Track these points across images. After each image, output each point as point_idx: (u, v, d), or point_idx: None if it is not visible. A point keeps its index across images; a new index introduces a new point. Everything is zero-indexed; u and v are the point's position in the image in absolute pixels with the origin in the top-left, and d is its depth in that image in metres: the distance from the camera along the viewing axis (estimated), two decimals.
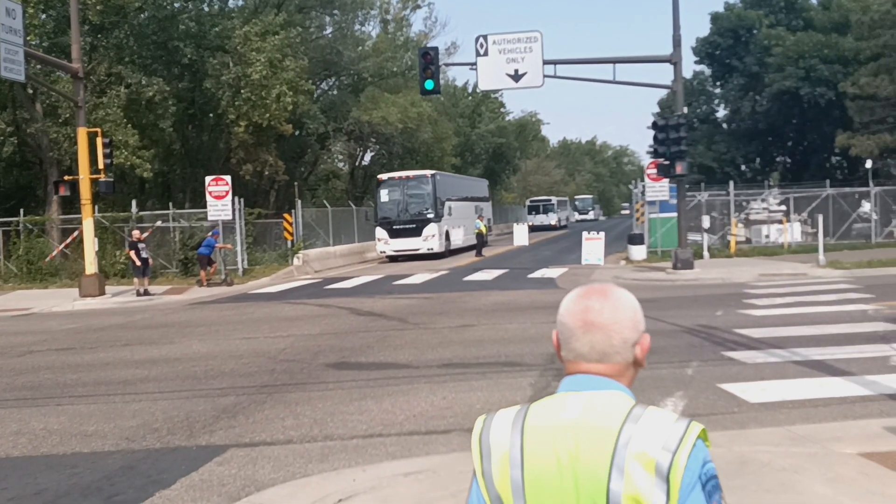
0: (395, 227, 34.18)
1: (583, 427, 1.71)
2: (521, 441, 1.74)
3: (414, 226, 34.06)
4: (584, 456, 1.69)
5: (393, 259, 34.16)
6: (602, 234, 28.38)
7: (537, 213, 72.15)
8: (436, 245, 34.17)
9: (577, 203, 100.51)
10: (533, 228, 60.84)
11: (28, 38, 27.51)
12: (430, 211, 34.36)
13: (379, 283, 24.05)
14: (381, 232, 34.48)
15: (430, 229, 34.09)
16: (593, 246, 27.76)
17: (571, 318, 1.85)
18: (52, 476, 6.89)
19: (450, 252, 35.89)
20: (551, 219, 71.70)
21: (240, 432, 7.99)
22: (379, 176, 36.73)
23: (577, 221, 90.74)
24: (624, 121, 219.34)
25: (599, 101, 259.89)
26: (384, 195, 35.09)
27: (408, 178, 35.52)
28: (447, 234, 35.81)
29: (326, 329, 14.93)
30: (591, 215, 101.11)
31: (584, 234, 28.57)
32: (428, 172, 35.83)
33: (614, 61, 23.77)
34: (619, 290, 1.90)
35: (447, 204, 36.23)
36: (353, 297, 20.46)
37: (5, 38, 18.81)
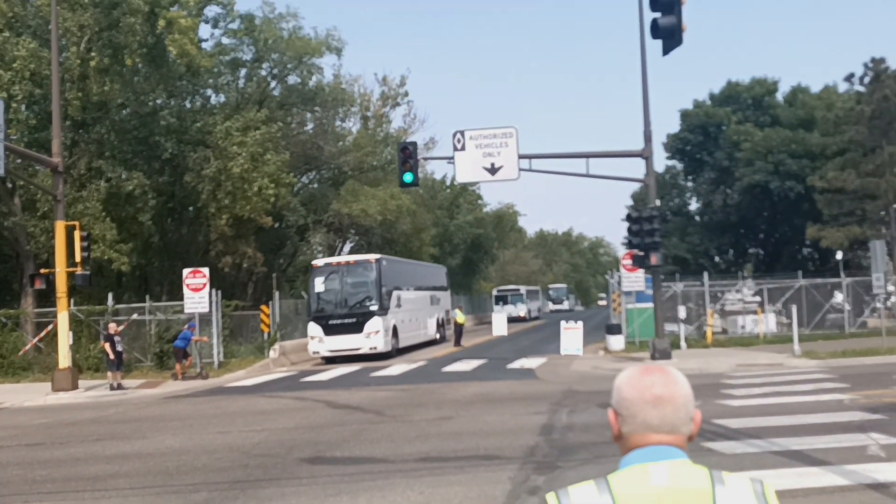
0: (331, 321, 29.04)
1: (679, 491, 1.81)
2: None
3: (354, 320, 28.99)
4: None
5: (330, 360, 28.81)
6: (580, 323, 28.49)
7: (504, 303, 68.13)
8: (380, 343, 28.95)
9: (550, 292, 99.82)
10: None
11: (9, 133, 27.84)
12: (373, 302, 29.46)
13: (356, 375, 23.84)
14: (314, 328, 29.12)
15: (374, 324, 28.97)
16: (572, 336, 27.82)
17: (639, 393, 1.95)
18: None
19: (399, 351, 30.78)
20: (520, 310, 67.75)
21: None
22: (313, 262, 31.89)
23: (552, 311, 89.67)
24: (599, 213, 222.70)
25: (575, 193, 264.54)
26: (319, 284, 29.81)
27: (347, 263, 30.65)
28: (395, 330, 30.66)
29: (302, 423, 14.73)
30: (565, 304, 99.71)
31: (563, 323, 28.67)
32: (372, 257, 31.04)
33: (588, 156, 24.36)
34: (674, 369, 2.02)
35: (395, 294, 31.40)
36: (329, 389, 20.26)
37: None
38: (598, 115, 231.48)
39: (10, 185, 29.99)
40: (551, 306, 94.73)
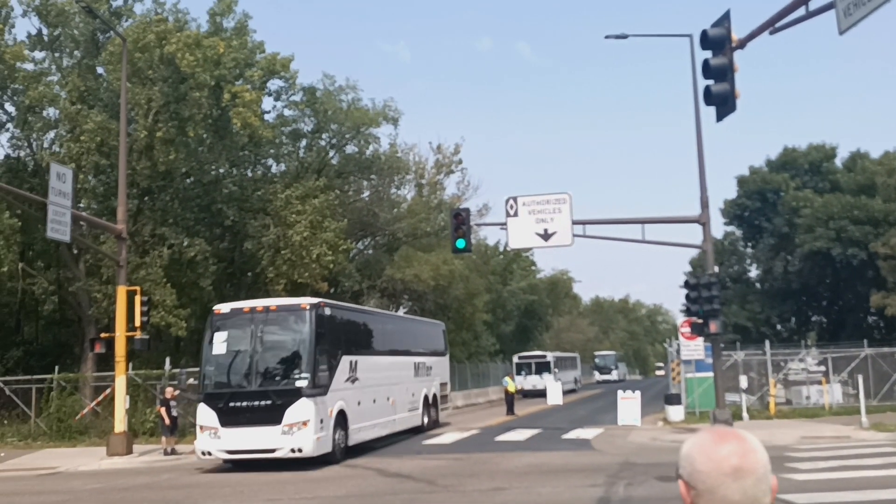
0: (231, 403, 18.58)
1: None
2: None
3: (268, 402, 18.27)
4: None
5: (235, 465, 18.96)
6: (638, 393, 27.90)
7: (527, 373, 55.10)
8: (307, 441, 18.03)
9: (597, 360, 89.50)
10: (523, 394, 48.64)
11: (80, 202, 28.87)
12: (301, 374, 18.48)
13: (408, 443, 23.59)
14: (205, 413, 18.76)
15: (299, 410, 18.08)
16: (629, 405, 27.23)
17: (716, 465, 1.80)
18: None
19: (346, 451, 19.93)
20: (546, 381, 51.00)
21: None
22: (214, 308, 20.44)
23: (599, 382, 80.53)
24: (656, 279, 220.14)
25: (631, 259, 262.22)
26: (218, 344, 19.37)
27: (266, 310, 19.42)
28: (341, 418, 19.80)
29: (353, 491, 14.58)
30: (614, 375, 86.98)
31: (620, 393, 28.12)
32: (305, 301, 19.75)
33: (643, 221, 24.18)
34: (747, 433, 1.89)
35: (345, 360, 20.56)
36: (380, 457, 20.06)
37: (54, 200, 19.73)
38: (654, 182, 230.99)
39: (75, 251, 30.94)
40: (598, 376, 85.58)
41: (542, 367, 55.00)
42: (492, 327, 60.72)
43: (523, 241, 25.07)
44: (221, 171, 36.27)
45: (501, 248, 65.66)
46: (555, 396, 43.02)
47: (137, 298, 23.31)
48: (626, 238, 25.01)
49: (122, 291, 23.18)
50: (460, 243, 23.91)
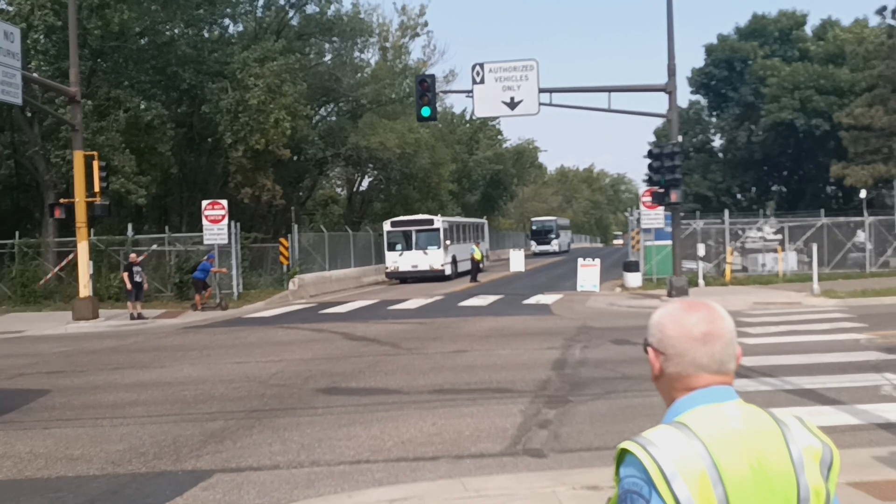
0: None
1: (755, 432, 1.76)
2: (712, 458, 1.70)
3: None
4: (769, 458, 1.74)
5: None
6: (598, 260, 28.43)
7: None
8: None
9: (533, 227, 76.23)
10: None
11: (31, 63, 27.70)
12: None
13: (374, 308, 24.01)
14: None
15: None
16: (589, 273, 27.78)
17: (686, 330, 1.86)
18: (34, 500, 6.84)
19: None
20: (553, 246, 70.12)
21: (226, 457, 7.94)
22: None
23: (536, 255, 68.02)
24: (621, 149, 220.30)
25: (596, 129, 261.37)
26: None
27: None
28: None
29: (318, 354, 14.89)
30: (554, 245, 72.64)
31: (580, 260, 28.63)
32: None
33: (609, 90, 23.94)
34: (717, 304, 1.94)
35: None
36: (347, 321, 20.43)
37: (3, 60, 18.92)
38: (621, 49, 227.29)
39: (29, 115, 30.00)
40: (534, 247, 71.91)
41: (430, 240, 37.63)
42: (457, 196, 60.86)
43: (490, 109, 24.76)
44: (176, 31, 34.90)
45: (468, 117, 64.96)
46: (517, 264, 43.73)
47: (96, 164, 22.85)
48: (593, 107, 24.90)
49: (79, 156, 22.67)
50: (425, 111, 23.54)
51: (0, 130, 33.32)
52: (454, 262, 38.64)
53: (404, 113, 47.04)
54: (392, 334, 17.51)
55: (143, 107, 31.58)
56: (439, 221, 37.44)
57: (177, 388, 11.77)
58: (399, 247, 37.06)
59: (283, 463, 7.66)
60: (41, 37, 29.08)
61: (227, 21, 38.45)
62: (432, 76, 25.40)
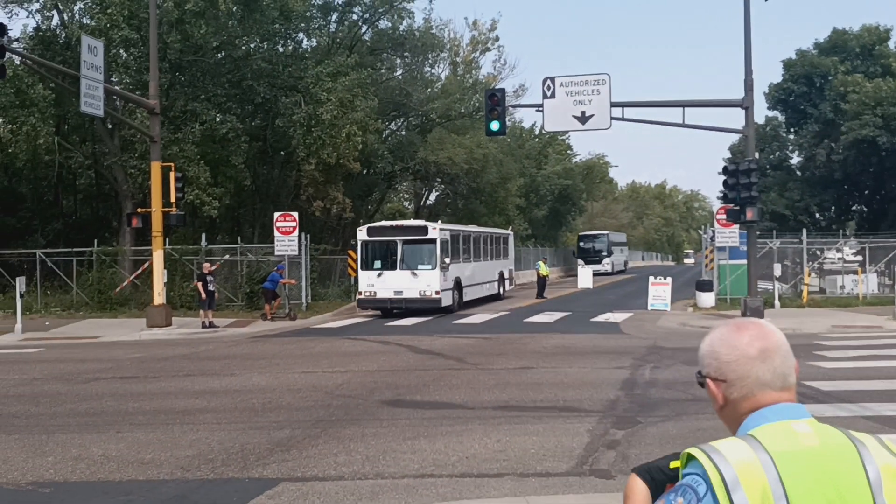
0: None
1: (828, 451, 1.70)
2: (778, 473, 1.64)
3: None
4: (843, 478, 1.67)
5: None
6: (669, 279, 27.91)
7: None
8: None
9: (581, 244, 65.41)
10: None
11: (112, 76, 28.63)
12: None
13: (439, 322, 23.98)
14: None
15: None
16: (660, 291, 27.27)
17: (741, 352, 1.82)
18: (106, 502, 6.95)
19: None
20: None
21: (292, 466, 7.96)
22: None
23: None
24: (695, 165, 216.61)
25: (670, 144, 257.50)
26: None
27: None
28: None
29: (384, 366, 14.90)
30: (606, 264, 62.11)
31: (651, 278, 28.14)
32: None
33: (684, 104, 23.51)
34: (758, 319, 1.91)
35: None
36: (412, 334, 20.44)
37: (87, 73, 19.57)
38: (696, 64, 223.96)
39: (109, 126, 30.97)
40: (582, 267, 52.70)
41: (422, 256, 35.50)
42: (525, 212, 60.52)
43: (560, 123, 24.59)
44: (252, 46, 35.64)
45: (537, 131, 64.68)
46: (585, 280, 43.25)
47: (172, 175, 23.43)
48: (666, 122, 24.41)
49: (156, 167, 23.28)
50: (495, 125, 23.49)
51: (82, 141, 34.46)
52: (457, 287, 28.09)
53: (473, 127, 47.07)
54: (457, 348, 17.44)
55: (218, 119, 32.28)
56: (436, 230, 26.80)
57: (245, 396, 11.90)
58: (378, 264, 26.58)
59: (347, 474, 7.64)
60: (121, 50, 30.02)
61: (301, 36, 39.10)
62: (502, 90, 25.37)
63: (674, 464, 1.86)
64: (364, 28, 42.90)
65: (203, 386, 12.98)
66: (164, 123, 28.31)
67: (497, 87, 33.42)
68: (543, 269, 36.43)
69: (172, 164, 24.35)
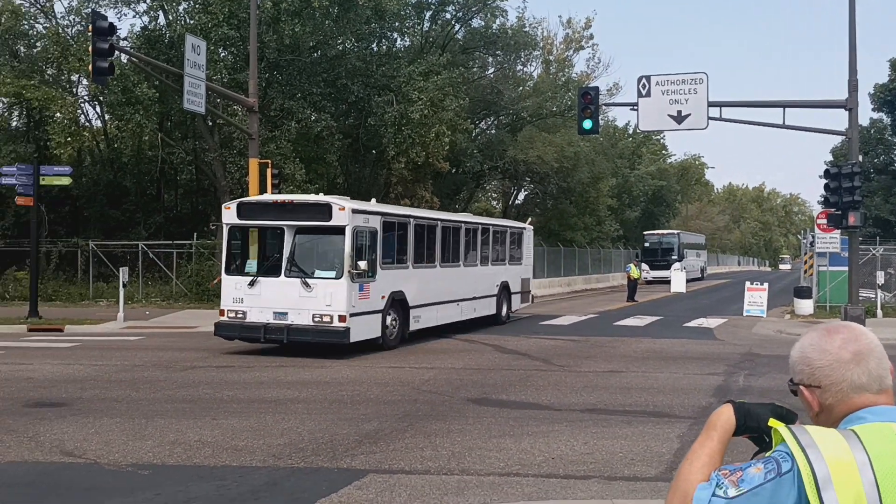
0: None
1: None
2: (875, 476, 1.60)
3: None
4: None
5: None
6: (766, 284, 27.13)
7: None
8: None
9: (646, 244, 55.80)
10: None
11: (209, 73, 29.58)
12: None
13: (526, 323, 23.88)
14: None
15: None
16: (756, 297, 26.53)
17: (835, 356, 1.78)
18: (202, 486, 7.18)
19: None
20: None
21: (379, 458, 8.06)
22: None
23: (647, 282, 47.74)
24: (795, 167, 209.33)
25: (769, 145, 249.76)
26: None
27: None
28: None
29: (469, 364, 14.94)
30: (678, 270, 47.11)
31: (748, 283, 27.43)
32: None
33: (784, 105, 22.75)
34: (849, 322, 1.88)
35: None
36: (498, 334, 20.41)
37: (190, 72, 20.24)
38: (798, 63, 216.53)
39: (210, 123, 31.99)
40: (647, 272, 49.19)
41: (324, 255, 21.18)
42: (616, 213, 59.69)
43: (655, 123, 24.13)
44: (347, 45, 36.25)
45: (631, 131, 63.73)
46: (678, 284, 42.38)
47: (269, 171, 24.00)
48: (765, 122, 23.66)
49: (254, 164, 23.89)
50: (587, 124, 23.22)
51: (183, 138, 35.70)
52: (398, 308, 17.60)
53: (565, 126, 46.71)
54: (544, 349, 17.34)
55: (313, 118, 32.97)
56: (344, 211, 15.81)
57: (334, 388, 12.12)
58: (252, 266, 16.76)
59: (433, 468, 7.70)
60: (220, 49, 30.97)
61: (394, 35, 39.58)
62: (596, 89, 25.05)
63: (773, 422, 1.80)
64: (457, 27, 43.08)
65: (294, 377, 13.27)
66: (262, 121, 29.07)
67: (590, 86, 33.07)
68: (634, 271, 35.84)
69: (269, 161, 24.95)
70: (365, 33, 35.07)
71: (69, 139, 30.09)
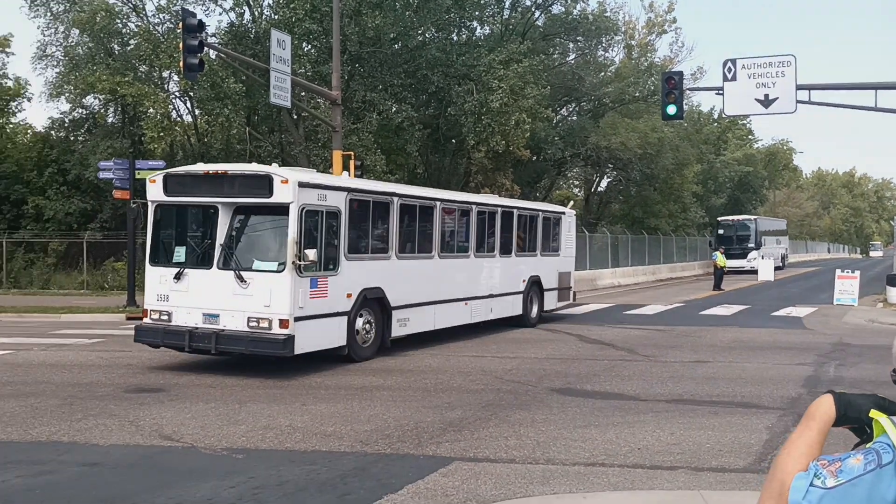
0: None
1: None
2: None
3: None
4: None
5: None
6: (857, 272, 26.23)
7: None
8: None
9: (720, 230, 51.64)
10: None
11: (293, 67, 30.16)
12: None
13: (609, 312, 23.69)
14: None
15: None
16: (847, 285, 25.68)
17: None
18: (292, 469, 7.41)
19: None
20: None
21: (464, 446, 8.17)
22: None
23: (726, 271, 37.62)
24: (888, 152, 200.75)
25: (860, 129, 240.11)
26: None
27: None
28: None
29: (552, 354, 14.93)
30: (753, 259, 47.57)
31: (838, 271, 26.57)
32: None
33: (876, 87, 21.91)
34: None
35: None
36: (581, 324, 20.31)
37: (276, 66, 20.70)
38: (891, 42, 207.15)
39: (294, 116, 32.64)
40: (718, 259, 37.07)
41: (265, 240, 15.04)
42: (701, 199, 58.46)
43: (741, 107, 23.53)
44: (427, 35, 36.42)
45: (716, 116, 62.23)
46: (766, 272, 41.32)
47: (352, 163, 24.36)
48: (857, 105, 22.85)
49: (337, 155, 24.31)
50: (671, 109, 22.82)
51: (270, 131, 36.52)
52: (374, 308, 14.17)
53: (648, 111, 45.97)
54: (628, 339, 17.19)
55: (394, 109, 33.29)
56: (287, 184, 12.16)
57: (418, 377, 12.30)
58: (180, 254, 13.32)
59: (518, 457, 7.76)
60: (303, 43, 31.53)
61: (474, 24, 39.56)
62: (680, 73, 24.58)
63: (874, 413, 1.77)
64: (537, 14, 42.77)
65: (378, 364, 13.51)
66: (344, 113, 29.53)
67: (674, 70, 32.45)
68: (721, 259, 35.08)
69: (352, 153, 25.35)
70: (445, 23, 35.18)
71: (162, 134, 31.13)
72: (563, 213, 22.01)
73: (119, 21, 34.21)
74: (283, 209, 12.15)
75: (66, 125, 37.44)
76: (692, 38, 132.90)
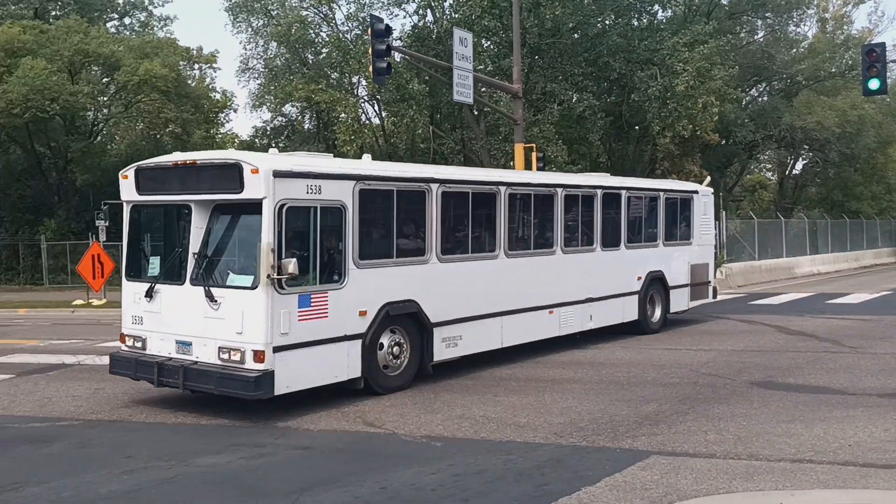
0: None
1: None
2: None
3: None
4: None
5: None
6: None
7: None
8: None
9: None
10: None
11: (474, 64, 30.68)
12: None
13: (809, 301, 22.42)
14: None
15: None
16: None
17: None
18: (489, 459, 7.62)
19: None
20: None
21: (661, 440, 8.07)
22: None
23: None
24: None
25: None
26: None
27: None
28: None
29: (750, 346, 14.36)
30: None
31: None
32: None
33: None
34: None
35: None
36: (780, 314, 19.36)
37: (458, 64, 21.16)
38: None
39: (476, 113, 33.18)
40: None
41: (240, 249, 11.11)
42: None
43: None
44: (607, 22, 35.86)
45: None
46: None
47: (534, 155, 24.51)
48: None
49: (519, 148, 24.50)
50: (874, 84, 21.22)
51: (452, 129, 37.32)
52: (403, 326, 10.92)
53: (846, 88, 43.00)
54: (832, 330, 16.22)
55: (575, 99, 33.05)
56: (257, 175, 9.05)
57: (610, 370, 12.23)
58: (154, 265, 10.46)
59: (719, 452, 7.58)
60: (482, 39, 31.94)
61: (655, 7, 38.50)
62: (882, 45, 22.75)
63: None
64: None
65: (569, 357, 13.52)
66: (525, 106, 29.68)
67: (875, 42, 30.10)
68: None
69: (534, 145, 25.48)
70: (625, 8, 34.52)
71: (353, 137, 32.62)
72: (696, 191, 18.09)
73: (311, 31, 36.15)
74: (255, 205, 9.17)
75: (268, 133, 40.12)
76: (893, 7, 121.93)
